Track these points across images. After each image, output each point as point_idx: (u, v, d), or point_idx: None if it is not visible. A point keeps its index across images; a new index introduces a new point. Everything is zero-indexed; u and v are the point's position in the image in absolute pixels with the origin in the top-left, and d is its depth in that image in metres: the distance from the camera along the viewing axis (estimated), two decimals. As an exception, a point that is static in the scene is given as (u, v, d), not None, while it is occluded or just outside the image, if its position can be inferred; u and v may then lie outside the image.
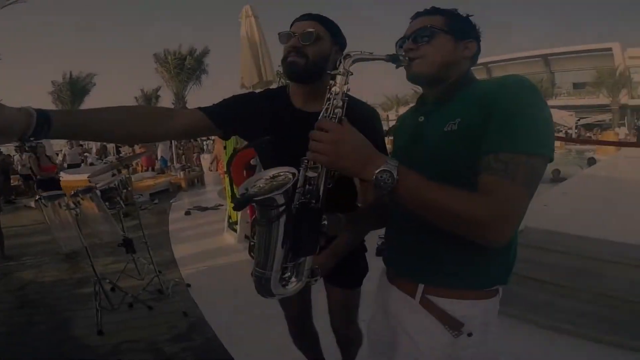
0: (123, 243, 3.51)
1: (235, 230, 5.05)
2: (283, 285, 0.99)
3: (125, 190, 4.11)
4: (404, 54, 0.99)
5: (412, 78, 1.01)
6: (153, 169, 11.61)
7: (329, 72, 0.93)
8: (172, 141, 11.90)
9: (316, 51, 1.24)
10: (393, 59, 0.96)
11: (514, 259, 0.98)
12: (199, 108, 1.25)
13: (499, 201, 0.76)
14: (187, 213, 6.86)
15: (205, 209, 7.09)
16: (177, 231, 5.76)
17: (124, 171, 3.82)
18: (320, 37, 1.24)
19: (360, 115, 1.05)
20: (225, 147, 5.41)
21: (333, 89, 0.89)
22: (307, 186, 0.90)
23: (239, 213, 4.87)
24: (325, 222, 0.95)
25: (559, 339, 2.30)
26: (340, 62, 0.90)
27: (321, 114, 0.89)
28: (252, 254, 1.12)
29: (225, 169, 5.48)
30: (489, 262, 0.94)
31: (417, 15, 1.03)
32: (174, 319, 2.93)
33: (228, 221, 5.30)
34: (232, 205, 1.01)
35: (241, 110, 1.31)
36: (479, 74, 0.98)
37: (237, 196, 0.89)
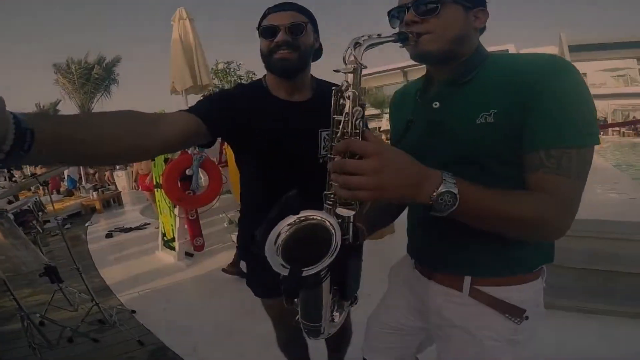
0: (46, 272, 3.03)
1: (172, 248, 4.68)
2: (332, 322, 0.95)
3: (41, 213, 3.63)
4: (406, 29, 0.83)
5: (420, 57, 0.86)
6: (59, 192, 10.28)
7: (335, 70, 0.73)
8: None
9: (306, 43, 1.19)
10: (401, 38, 0.81)
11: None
12: (185, 111, 1.08)
13: (563, 199, 0.74)
14: (109, 235, 6.22)
15: (130, 229, 6.48)
16: (101, 255, 5.18)
17: (39, 191, 3.34)
18: (307, 30, 1.18)
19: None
20: (153, 160, 5.00)
21: (347, 93, 0.70)
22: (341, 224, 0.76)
23: (176, 228, 4.54)
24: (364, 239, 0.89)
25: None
26: (351, 53, 0.71)
27: (339, 129, 0.70)
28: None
29: (154, 183, 5.07)
30: (534, 246, 0.91)
31: None
32: (128, 350, 2.60)
33: (163, 239, 4.89)
34: (284, 288, 0.78)
35: (227, 110, 1.17)
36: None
37: (284, 274, 0.73)
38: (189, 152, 4.41)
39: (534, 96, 0.75)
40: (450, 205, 0.68)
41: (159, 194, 4.87)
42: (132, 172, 9.15)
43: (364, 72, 0.72)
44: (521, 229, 0.75)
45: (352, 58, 0.71)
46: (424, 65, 0.97)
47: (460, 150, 0.81)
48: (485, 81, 0.84)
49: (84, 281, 3.00)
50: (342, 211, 0.75)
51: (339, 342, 1.79)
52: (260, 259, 1.30)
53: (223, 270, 3.79)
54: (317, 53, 1.30)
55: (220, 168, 4.65)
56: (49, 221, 6.97)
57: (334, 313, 0.96)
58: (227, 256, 4.22)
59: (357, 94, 0.70)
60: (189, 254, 4.56)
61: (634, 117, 26.00)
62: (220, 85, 12.84)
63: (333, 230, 0.72)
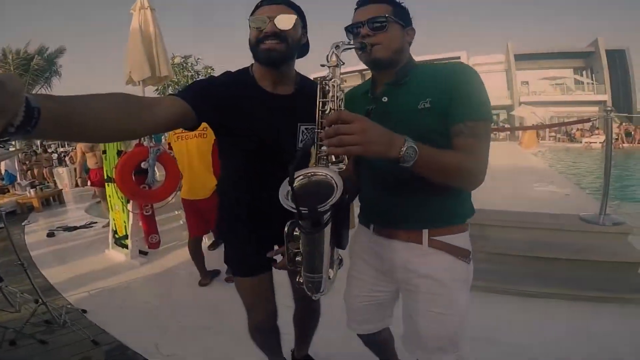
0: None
1: (124, 247, 4.43)
2: (329, 280, 1.10)
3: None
4: (360, 40, 1.10)
5: (372, 63, 1.14)
6: None
7: (322, 64, 0.98)
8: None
9: (294, 36, 1.25)
10: (362, 47, 1.10)
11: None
12: (174, 95, 1.14)
13: (478, 157, 1.03)
14: (50, 234, 5.74)
15: (75, 228, 6.03)
16: (43, 255, 4.76)
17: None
18: (296, 21, 1.24)
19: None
20: (104, 152, 4.70)
21: (332, 81, 0.97)
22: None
23: (129, 225, 4.29)
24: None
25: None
26: (333, 53, 0.98)
27: (327, 107, 0.97)
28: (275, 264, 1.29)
29: (105, 177, 4.77)
30: (463, 200, 1.19)
31: (365, 2, 1.13)
32: (82, 350, 2.40)
33: (114, 237, 4.60)
34: (305, 226, 0.93)
35: (214, 97, 1.22)
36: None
37: (301, 210, 0.86)
38: (145, 144, 4.20)
39: (452, 89, 1.06)
40: (412, 158, 0.92)
41: (110, 188, 4.59)
42: (76, 169, 8.48)
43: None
44: (456, 177, 1.03)
45: (334, 57, 0.97)
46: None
47: (409, 131, 0.98)
48: (418, 81, 1.13)
49: (30, 279, 2.74)
50: (334, 167, 0.96)
51: (306, 323, 1.80)
52: (241, 239, 1.44)
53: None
54: (304, 48, 1.35)
55: (177, 163, 4.44)
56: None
57: (330, 270, 1.11)
58: (185, 254, 4.06)
59: (339, 82, 0.97)
60: (143, 252, 4.31)
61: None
62: (176, 80, 12.41)
63: (334, 180, 0.91)
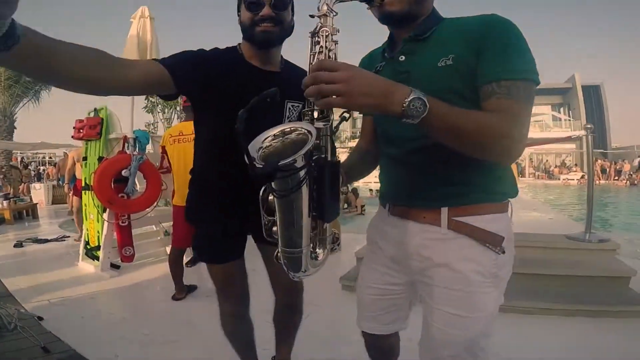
0: None
1: (95, 258, 4.17)
2: (314, 259, 0.94)
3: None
4: None
5: (385, 18, 0.98)
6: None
7: (311, 15, 0.85)
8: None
9: (287, 17, 1.27)
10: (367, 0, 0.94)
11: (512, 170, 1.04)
12: (155, 60, 1.14)
13: (514, 116, 0.83)
14: (18, 245, 5.43)
15: (46, 240, 5.73)
16: (7, 264, 4.46)
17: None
18: (287, 2, 1.25)
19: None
20: (85, 159, 4.54)
21: (322, 30, 0.83)
22: (317, 140, 0.82)
23: (103, 235, 4.06)
24: (342, 177, 0.92)
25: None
26: (324, 2, 0.84)
27: (314, 57, 0.84)
28: (267, 237, 0.96)
29: (82, 185, 4.58)
30: (499, 174, 0.97)
31: None
32: (31, 357, 2.17)
33: (85, 247, 4.35)
34: (255, 176, 0.76)
35: (200, 68, 1.22)
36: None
37: (255, 164, 0.76)
38: (128, 152, 4.06)
39: (482, 43, 0.87)
40: (421, 112, 0.75)
41: (87, 196, 4.37)
42: (57, 181, 8.22)
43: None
44: (482, 144, 0.83)
45: (324, 7, 0.83)
46: None
47: (425, 89, 0.82)
48: (442, 36, 0.95)
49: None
50: (318, 124, 0.82)
51: (286, 319, 1.69)
52: (211, 223, 1.38)
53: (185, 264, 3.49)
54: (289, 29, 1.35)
55: (160, 174, 4.28)
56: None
57: (317, 250, 0.95)
58: (160, 270, 3.85)
59: (329, 31, 0.83)
60: (115, 266, 4.06)
61: (546, 160, 28.69)
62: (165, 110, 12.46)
63: (307, 132, 0.79)
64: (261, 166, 0.76)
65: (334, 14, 0.85)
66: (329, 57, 0.83)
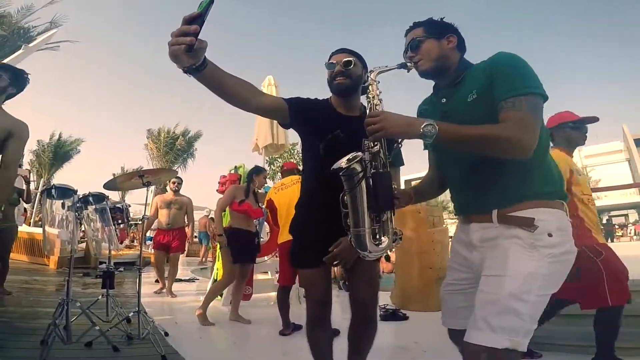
0: (103, 274, 3.20)
1: (219, 295, 4.42)
2: (377, 244, 1.28)
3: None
4: (409, 60, 1.34)
5: (422, 74, 1.35)
6: (121, 242, 10.70)
7: (363, 85, 1.48)
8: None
9: (354, 72, 1.64)
10: (403, 66, 1.33)
11: (559, 177, 1.24)
12: (283, 98, 1.63)
13: (516, 122, 1.07)
14: (157, 281, 6.07)
15: (179, 280, 6.38)
16: (147, 294, 4.93)
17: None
18: (355, 63, 1.64)
19: None
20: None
21: (370, 94, 1.32)
22: (374, 162, 1.24)
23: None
24: (395, 185, 1.31)
25: None
26: (368, 76, 1.35)
27: (368, 109, 1.32)
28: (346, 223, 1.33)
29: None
30: (532, 178, 1.17)
31: (407, 32, 1.40)
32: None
33: (213, 282, 4.67)
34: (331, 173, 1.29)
35: (307, 111, 1.64)
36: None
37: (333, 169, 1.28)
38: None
39: (494, 72, 1.17)
40: (434, 132, 1.09)
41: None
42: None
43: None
44: (492, 145, 1.10)
45: (371, 79, 1.34)
46: None
47: (462, 121, 1.14)
48: (469, 78, 1.27)
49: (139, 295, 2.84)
50: (373, 150, 1.25)
51: (361, 333, 1.74)
52: (303, 235, 1.73)
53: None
54: (365, 86, 1.67)
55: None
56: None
57: (382, 237, 1.28)
58: (271, 312, 3.88)
59: (374, 93, 1.32)
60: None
61: None
62: (285, 158, 13.70)
63: (360, 153, 1.26)
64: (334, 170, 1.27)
65: (377, 82, 1.33)
66: (375, 108, 1.29)
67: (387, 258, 10.26)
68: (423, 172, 1.60)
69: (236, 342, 3.05)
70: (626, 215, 28.33)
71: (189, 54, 1.11)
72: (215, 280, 4.70)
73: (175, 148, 21.73)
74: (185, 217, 5.38)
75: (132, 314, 2.83)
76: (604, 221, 26.60)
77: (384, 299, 4.32)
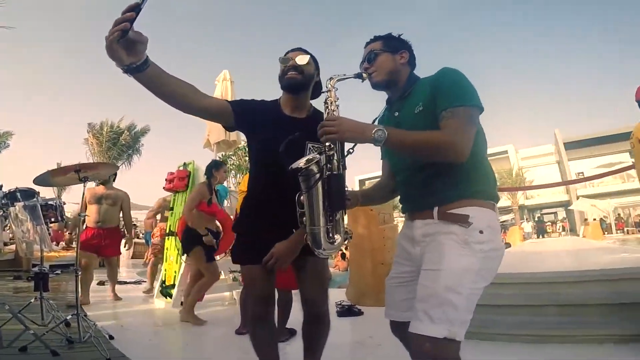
0: (35, 277, 2.96)
1: (168, 295, 4.32)
2: (331, 242, 1.34)
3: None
4: (364, 71, 1.43)
5: (374, 86, 1.46)
6: (57, 244, 9.93)
7: (323, 91, 1.41)
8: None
9: (307, 70, 1.64)
10: (358, 76, 1.42)
11: (494, 181, 1.35)
12: (227, 101, 1.63)
13: (451, 130, 1.20)
14: (101, 283, 5.85)
15: (125, 282, 6.14)
16: (93, 297, 4.68)
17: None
18: (309, 62, 1.65)
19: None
20: (172, 209, 4.88)
21: (329, 100, 1.37)
22: (328, 164, 1.29)
23: (179, 275, 4.19)
24: (348, 187, 1.35)
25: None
26: (328, 83, 1.38)
27: (325, 115, 1.35)
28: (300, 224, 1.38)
29: (167, 231, 4.87)
30: (469, 179, 1.28)
31: (367, 44, 1.50)
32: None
33: (161, 286, 4.54)
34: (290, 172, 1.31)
35: (251, 113, 1.63)
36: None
37: (291, 168, 1.31)
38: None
39: (436, 85, 1.30)
40: (383, 137, 1.19)
41: (170, 241, 4.70)
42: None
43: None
44: (432, 149, 1.22)
45: (328, 86, 1.38)
46: None
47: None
48: (417, 91, 1.38)
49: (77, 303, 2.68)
50: (329, 153, 1.29)
51: (313, 332, 1.79)
52: (247, 233, 1.71)
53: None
54: (317, 87, 1.73)
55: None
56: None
57: (335, 236, 1.35)
58: (225, 312, 3.84)
59: (332, 100, 1.37)
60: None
61: (637, 215, 24.65)
62: (238, 164, 13.37)
63: (318, 155, 1.31)
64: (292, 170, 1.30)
65: (335, 89, 1.38)
66: (332, 114, 1.34)
67: (343, 256, 10.46)
68: (375, 172, 1.64)
69: (189, 344, 2.96)
70: (555, 213, 30.78)
71: (128, 52, 1.13)
72: (163, 282, 4.54)
73: (120, 143, 20.16)
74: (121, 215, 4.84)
75: (70, 316, 2.66)
76: (536, 218, 28.86)
77: (340, 295, 4.46)
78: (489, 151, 1.40)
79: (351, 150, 1.35)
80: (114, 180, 4.83)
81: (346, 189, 1.34)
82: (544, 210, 31.35)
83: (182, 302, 4.09)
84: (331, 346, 1.79)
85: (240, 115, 1.58)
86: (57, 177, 2.93)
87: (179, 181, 4.69)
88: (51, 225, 3.24)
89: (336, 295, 4.35)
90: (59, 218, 3.16)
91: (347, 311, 3.74)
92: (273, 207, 1.57)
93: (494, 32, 69.34)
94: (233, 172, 14.03)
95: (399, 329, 1.38)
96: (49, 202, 3.09)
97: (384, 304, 1.45)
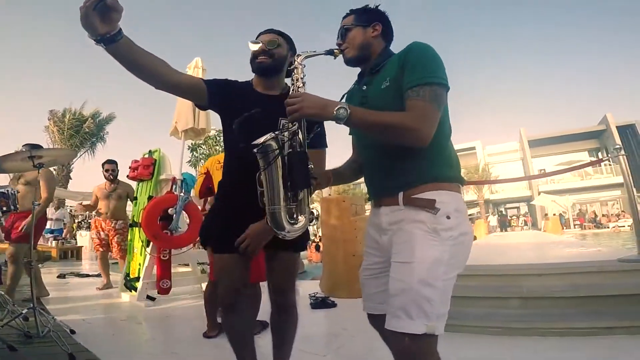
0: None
1: (133, 289, 4.16)
2: (293, 224, 1.28)
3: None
4: (337, 48, 1.40)
5: (347, 62, 1.42)
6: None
7: (289, 68, 1.40)
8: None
9: (278, 53, 1.62)
10: (330, 52, 1.38)
11: (457, 164, 1.30)
12: (202, 79, 1.60)
13: (418, 113, 1.14)
14: (62, 276, 5.58)
15: (87, 275, 5.85)
16: (50, 290, 4.41)
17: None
18: (280, 44, 1.63)
19: None
20: (135, 199, 4.68)
21: (295, 76, 1.33)
22: (292, 142, 1.26)
23: (144, 267, 4.03)
24: (312, 165, 1.25)
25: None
26: (295, 60, 1.35)
27: (291, 91, 1.32)
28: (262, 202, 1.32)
29: (130, 222, 4.67)
30: (435, 163, 1.24)
31: (342, 19, 1.45)
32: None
33: (125, 279, 4.35)
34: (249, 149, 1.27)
35: (224, 90, 1.60)
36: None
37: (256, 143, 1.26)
38: (175, 192, 4.14)
39: (404, 61, 1.22)
40: (345, 115, 1.13)
41: (133, 232, 4.51)
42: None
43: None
44: (394, 133, 1.16)
45: (295, 63, 1.35)
46: None
47: (377, 107, 1.21)
48: (387, 66, 1.32)
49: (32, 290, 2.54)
50: (292, 129, 1.27)
51: (282, 324, 1.74)
52: (220, 217, 1.66)
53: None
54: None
55: (202, 215, 4.28)
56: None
57: (299, 217, 1.30)
58: (193, 306, 3.77)
59: (299, 76, 1.33)
60: (150, 297, 3.96)
61: (592, 211, 26.31)
62: (208, 153, 12.99)
63: (278, 132, 1.28)
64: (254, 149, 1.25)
65: (303, 65, 1.34)
66: (298, 90, 1.31)
67: (317, 248, 10.44)
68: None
69: (155, 338, 2.87)
70: (518, 208, 31.99)
71: (102, 21, 1.10)
72: (127, 275, 4.36)
73: (83, 131, 19.14)
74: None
75: (25, 310, 2.51)
76: (500, 213, 29.94)
77: (314, 287, 4.44)
78: (458, 147, 1.33)
79: (317, 128, 1.30)
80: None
81: (310, 167, 1.25)
82: (508, 205, 32.53)
83: (148, 296, 3.97)
84: (305, 338, 1.76)
85: (214, 93, 1.55)
86: (8, 162, 2.73)
87: (144, 169, 4.49)
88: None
89: (310, 287, 4.35)
90: (12, 207, 2.94)
91: (321, 303, 3.72)
92: (248, 191, 1.46)
93: (463, 30, 71.21)
94: (202, 161, 13.70)
95: (377, 321, 1.35)
96: (0, 190, 2.86)
97: (356, 296, 1.42)
